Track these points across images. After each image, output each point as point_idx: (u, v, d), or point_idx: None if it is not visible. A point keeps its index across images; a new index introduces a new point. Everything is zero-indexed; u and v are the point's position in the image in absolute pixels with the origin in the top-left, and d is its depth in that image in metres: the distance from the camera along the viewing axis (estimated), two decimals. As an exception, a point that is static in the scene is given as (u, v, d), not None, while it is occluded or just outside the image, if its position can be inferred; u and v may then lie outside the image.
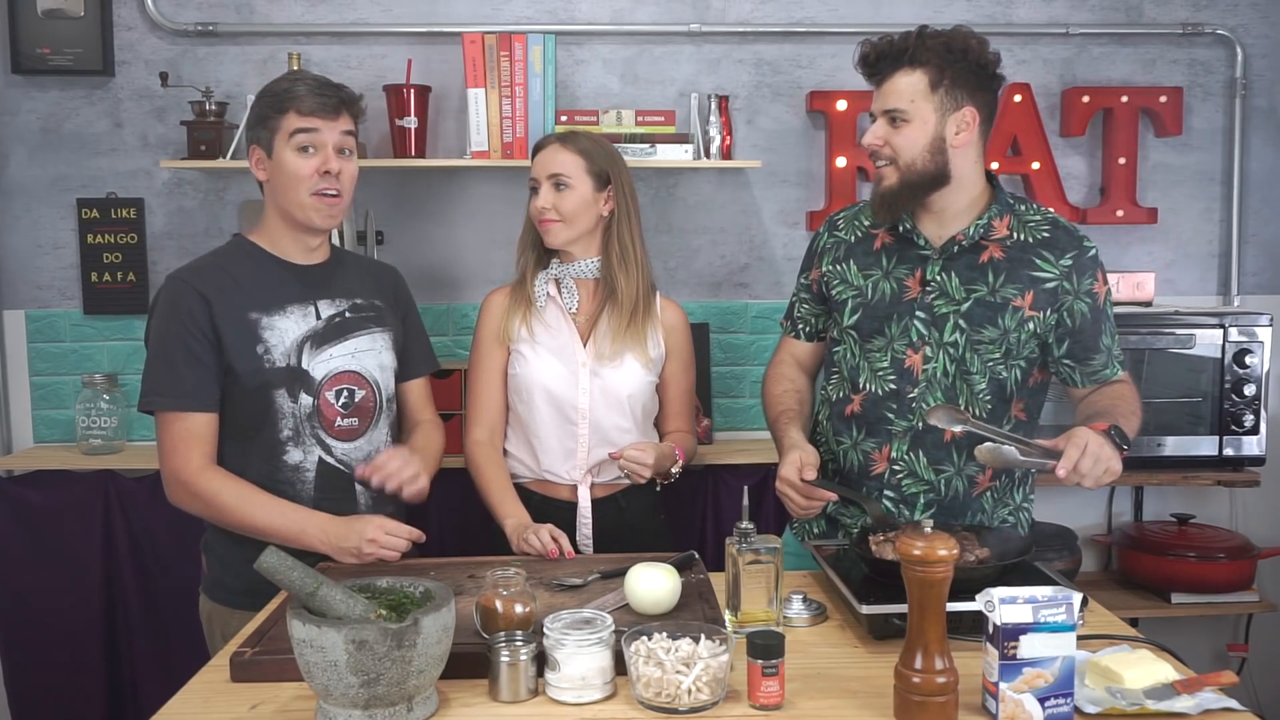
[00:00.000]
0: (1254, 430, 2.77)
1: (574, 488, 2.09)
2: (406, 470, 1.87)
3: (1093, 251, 1.81)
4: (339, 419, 1.89)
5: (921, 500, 1.83)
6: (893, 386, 1.83)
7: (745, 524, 1.57)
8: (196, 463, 1.81)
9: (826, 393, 1.97)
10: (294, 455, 1.87)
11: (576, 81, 2.93)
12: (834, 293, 1.91)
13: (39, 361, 2.92)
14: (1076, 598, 1.27)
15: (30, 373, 2.92)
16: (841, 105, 2.88)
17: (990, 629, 1.24)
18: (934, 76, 1.72)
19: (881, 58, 1.75)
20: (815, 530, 1.96)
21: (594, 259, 2.11)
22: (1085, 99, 2.92)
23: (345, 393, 1.90)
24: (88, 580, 2.70)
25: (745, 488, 1.66)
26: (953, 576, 1.26)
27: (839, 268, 1.90)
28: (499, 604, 1.42)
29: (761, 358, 2.92)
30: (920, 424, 1.80)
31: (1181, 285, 3.07)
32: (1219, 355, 2.76)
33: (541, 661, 1.35)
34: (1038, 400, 1.89)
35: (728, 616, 1.56)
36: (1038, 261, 1.78)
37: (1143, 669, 1.32)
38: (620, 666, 1.34)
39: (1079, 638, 1.26)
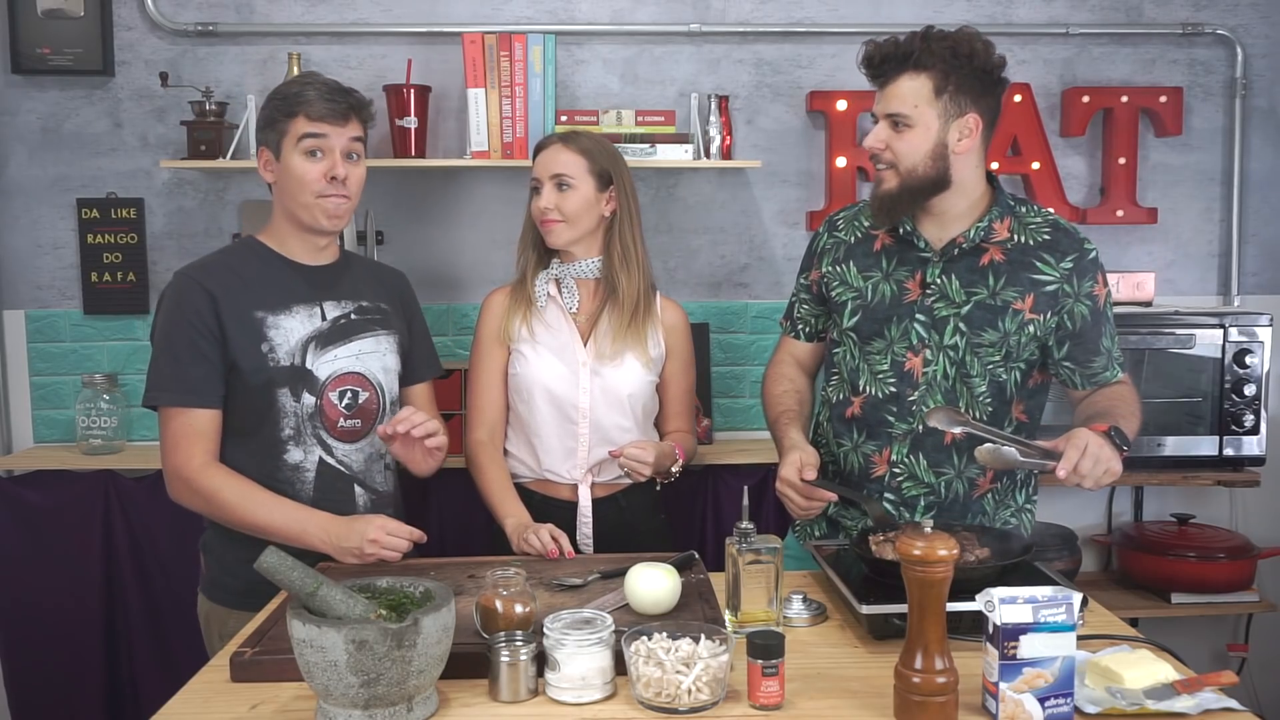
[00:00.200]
0: (1254, 430, 2.77)
1: (574, 487, 2.09)
2: (431, 424, 1.86)
3: (1093, 254, 1.81)
4: (342, 420, 1.90)
5: (922, 503, 1.83)
6: (893, 389, 1.83)
7: (745, 524, 1.57)
8: (199, 459, 1.81)
9: (827, 394, 1.97)
10: (295, 454, 1.87)
11: (576, 81, 2.93)
12: (833, 294, 1.90)
13: (39, 361, 2.92)
14: (1076, 598, 1.27)
15: (30, 373, 2.92)
16: (842, 105, 2.88)
17: (990, 629, 1.24)
18: (939, 82, 1.70)
19: (886, 60, 1.73)
20: (817, 533, 1.96)
21: (595, 259, 2.11)
22: (1085, 99, 2.92)
23: (349, 394, 1.90)
24: (88, 580, 2.70)
25: (745, 488, 1.66)
26: (953, 576, 1.26)
27: (839, 269, 1.90)
28: (499, 604, 1.42)
29: (761, 358, 2.92)
30: (920, 427, 1.80)
31: (1181, 285, 3.07)
32: (1219, 355, 2.76)
33: (541, 661, 1.35)
34: (1038, 401, 1.89)
35: (728, 616, 1.56)
36: (1038, 264, 1.78)
37: (1143, 669, 1.32)
38: (620, 666, 1.34)
39: (1079, 638, 1.26)
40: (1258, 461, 2.80)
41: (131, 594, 2.72)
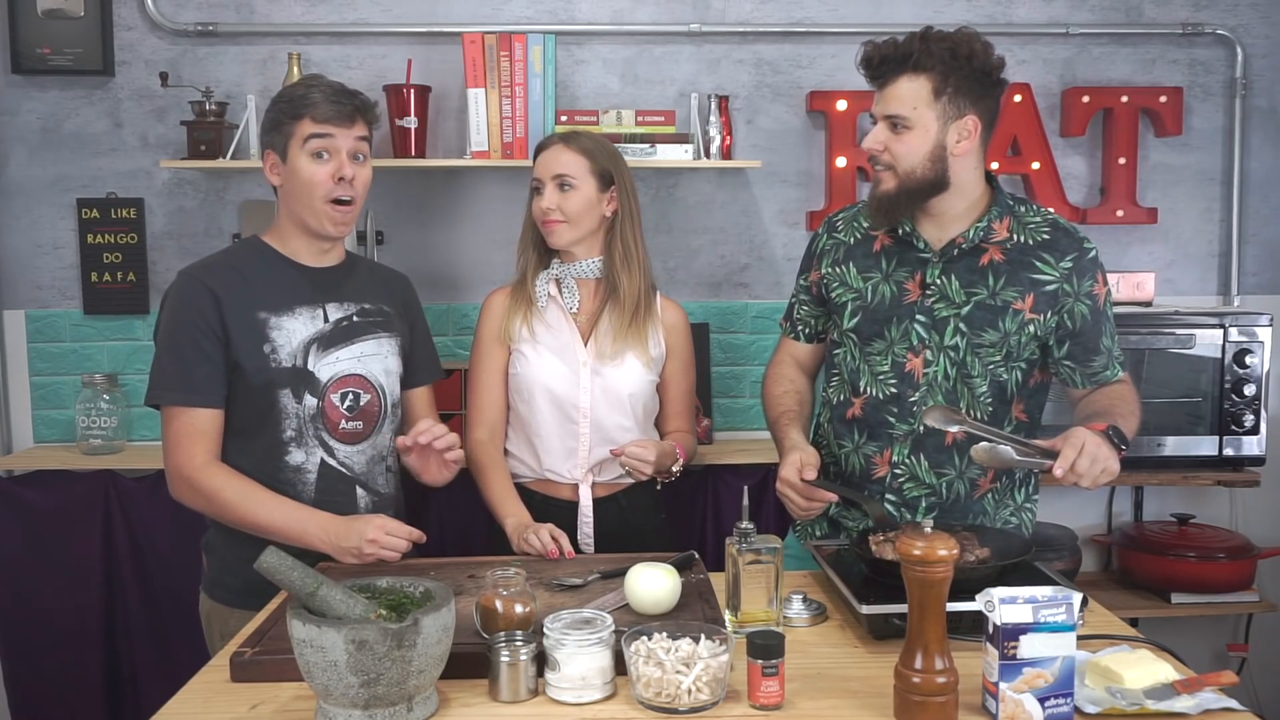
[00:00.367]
0: (1254, 430, 2.78)
1: (575, 487, 2.09)
2: (451, 436, 1.87)
3: (1093, 253, 1.81)
4: (343, 421, 1.90)
5: (923, 504, 1.83)
6: (893, 390, 1.83)
7: (745, 524, 1.57)
8: (200, 458, 1.82)
9: (827, 395, 1.97)
10: (296, 456, 1.87)
11: (576, 81, 2.93)
12: (833, 295, 1.90)
13: (39, 361, 2.92)
14: (1076, 598, 1.27)
15: (30, 373, 2.92)
16: (841, 105, 2.88)
17: (990, 629, 1.24)
18: (937, 84, 1.70)
19: (885, 61, 1.73)
20: (818, 533, 1.96)
21: (595, 259, 2.11)
22: (1085, 99, 2.92)
23: (350, 396, 1.90)
24: (88, 580, 2.70)
25: (745, 488, 1.66)
26: (953, 576, 1.26)
27: (838, 270, 1.90)
28: (499, 604, 1.42)
29: (761, 358, 2.92)
30: (921, 427, 1.80)
31: (1181, 285, 3.07)
32: (1219, 355, 2.76)
33: (541, 661, 1.35)
34: (1038, 401, 1.89)
35: (728, 616, 1.56)
36: (1038, 264, 1.78)
37: (1143, 669, 1.32)
38: (620, 666, 1.34)
39: (1079, 638, 1.26)
40: (1258, 461, 2.80)
41: (131, 594, 2.72)
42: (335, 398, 1.89)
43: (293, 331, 1.86)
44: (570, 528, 2.03)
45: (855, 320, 1.86)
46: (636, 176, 2.27)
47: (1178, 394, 2.84)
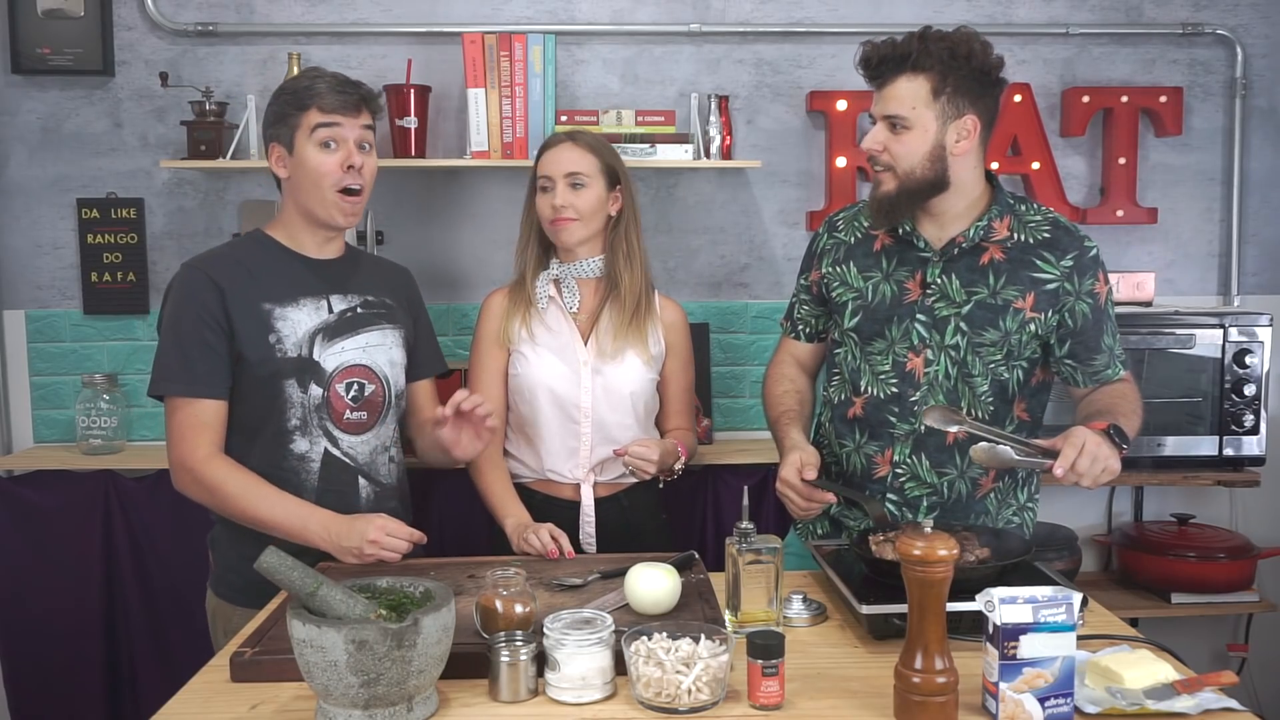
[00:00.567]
0: (1254, 430, 2.77)
1: (577, 486, 2.09)
2: (489, 404, 1.88)
3: (1093, 251, 1.81)
4: (348, 411, 1.90)
5: (924, 503, 1.83)
6: (894, 390, 1.83)
7: (745, 524, 1.57)
8: (204, 450, 1.82)
9: (828, 395, 1.97)
10: (300, 445, 1.87)
11: (576, 81, 2.93)
12: (834, 295, 1.90)
13: (39, 361, 2.92)
14: (1076, 598, 1.27)
15: (30, 373, 2.92)
16: (841, 105, 2.88)
17: (990, 629, 1.24)
18: (936, 84, 1.70)
19: (883, 61, 1.73)
20: (819, 532, 1.96)
21: (595, 258, 2.11)
22: (1085, 99, 2.92)
23: (355, 386, 1.91)
24: (88, 580, 2.70)
25: (745, 488, 1.66)
26: (953, 576, 1.26)
27: (839, 269, 1.90)
28: (499, 604, 1.42)
29: (761, 358, 2.92)
30: (922, 427, 1.80)
31: (1181, 285, 3.07)
32: (1219, 355, 2.76)
33: (541, 661, 1.35)
34: (1040, 400, 1.89)
35: (728, 616, 1.56)
36: (1038, 263, 1.78)
37: (1143, 669, 1.32)
38: (620, 666, 1.34)
39: (1079, 638, 1.26)
40: (1258, 461, 2.80)
41: (131, 594, 2.72)
42: (340, 388, 1.89)
43: (298, 322, 1.87)
44: (572, 528, 2.03)
45: (856, 320, 1.86)
46: (636, 176, 2.27)
47: (1178, 394, 2.84)
